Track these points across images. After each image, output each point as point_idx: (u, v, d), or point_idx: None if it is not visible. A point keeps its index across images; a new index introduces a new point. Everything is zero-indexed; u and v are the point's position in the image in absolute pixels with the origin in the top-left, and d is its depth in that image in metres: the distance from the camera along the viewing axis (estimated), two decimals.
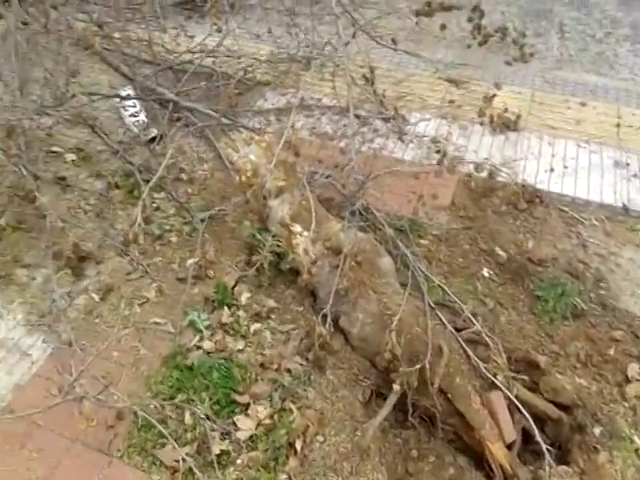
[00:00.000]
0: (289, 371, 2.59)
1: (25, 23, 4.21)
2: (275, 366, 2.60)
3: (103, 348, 2.64)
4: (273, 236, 2.88)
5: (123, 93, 4.00)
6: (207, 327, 2.76)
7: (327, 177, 3.30)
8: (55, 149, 3.75)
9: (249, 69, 4.41)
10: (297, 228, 2.83)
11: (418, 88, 4.46)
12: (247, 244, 3.10)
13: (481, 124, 4.07)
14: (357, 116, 3.89)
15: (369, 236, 2.85)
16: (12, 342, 2.77)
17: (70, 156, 3.72)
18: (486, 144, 3.93)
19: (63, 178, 3.57)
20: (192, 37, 4.65)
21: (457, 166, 3.38)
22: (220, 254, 3.13)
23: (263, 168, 2.95)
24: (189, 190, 3.50)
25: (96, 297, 2.94)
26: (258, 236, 2.93)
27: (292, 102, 4.14)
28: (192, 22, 5.08)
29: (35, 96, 3.87)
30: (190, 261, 3.08)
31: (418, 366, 2.37)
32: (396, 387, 2.42)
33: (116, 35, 4.43)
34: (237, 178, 3.02)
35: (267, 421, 2.40)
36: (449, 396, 2.47)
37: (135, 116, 3.93)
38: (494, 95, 4.21)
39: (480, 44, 4.64)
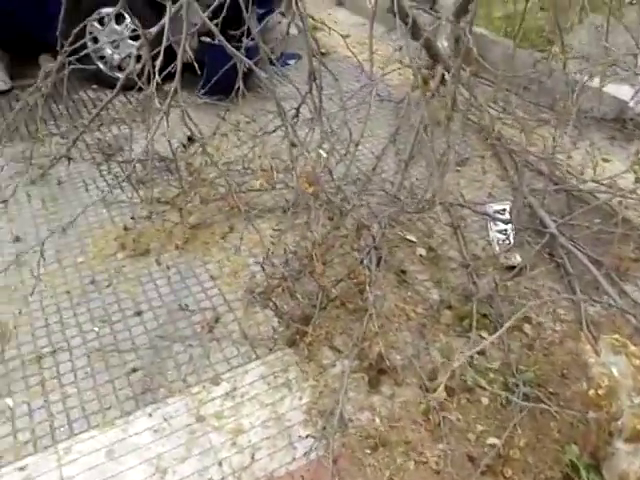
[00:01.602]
0: None
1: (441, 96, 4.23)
2: None
3: None
4: None
5: (497, 207, 3.62)
6: None
7: None
8: (410, 237, 3.63)
9: None
10: None
11: None
12: (567, 465, 2.37)
13: None
14: None
15: None
16: (287, 424, 2.66)
17: (421, 250, 3.54)
18: None
19: (404, 271, 3.41)
20: (607, 162, 3.96)
21: None
22: (529, 453, 2.48)
23: (624, 392, 2.17)
24: (527, 350, 2.91)
25: (380, 425, 2.64)
26: (583, 473, 2.18)
27: None
28: (613, 145, 4.35)
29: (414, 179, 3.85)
30: (490, 441, 2.52)
31: None
32: None
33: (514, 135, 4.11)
34: (584, 385, 2.30)
35: None
36: None
37: (503, 233, 3.51)
38: None
39: None
